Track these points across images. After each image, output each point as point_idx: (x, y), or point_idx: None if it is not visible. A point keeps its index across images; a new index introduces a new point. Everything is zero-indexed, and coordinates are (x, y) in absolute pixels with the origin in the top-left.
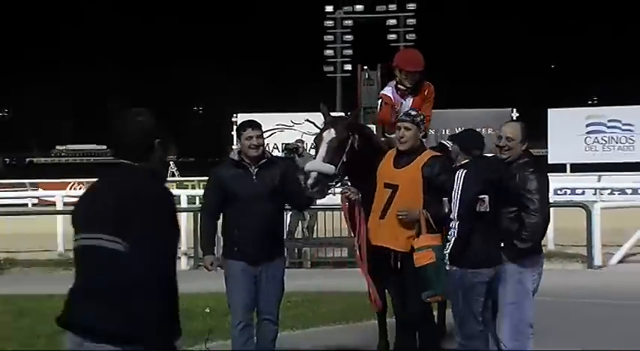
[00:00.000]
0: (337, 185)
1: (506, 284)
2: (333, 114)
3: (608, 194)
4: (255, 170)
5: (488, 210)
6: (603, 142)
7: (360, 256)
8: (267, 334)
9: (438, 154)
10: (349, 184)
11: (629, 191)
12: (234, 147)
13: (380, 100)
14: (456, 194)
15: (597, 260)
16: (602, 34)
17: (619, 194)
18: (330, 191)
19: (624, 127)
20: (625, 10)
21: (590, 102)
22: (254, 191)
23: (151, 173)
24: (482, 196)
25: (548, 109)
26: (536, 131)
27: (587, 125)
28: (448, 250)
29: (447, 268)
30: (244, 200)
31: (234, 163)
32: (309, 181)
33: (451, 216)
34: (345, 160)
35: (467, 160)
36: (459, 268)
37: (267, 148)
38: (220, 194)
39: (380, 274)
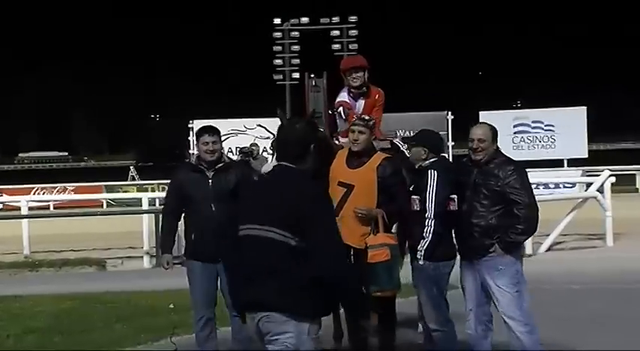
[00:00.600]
0: None
1: (503, 276)
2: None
3: (534, 188)
4: (212, 174)
5: (456, 209)
6: (528, 141)
7: None
8: (238, 328)
9: (389, 155)
10: None
11: (552, 185)
12: (194, 152)
13: (340, 109)
14: (431, 194)
15: (528, 249)
16: (524, 42)
17: (543, 188)
18: None
19: (546, 128)
20: (543, 17)
21: (514, 105)
22: (209, 194)
23: (310, 173)
24: (453, 196)
25: (480, 112)
26: (468, 132)
27: (514, 126)
28: (425, 247)
29: (421, 263)
30: (200, 202)
31: (191, 168)
32: None
33: (426, 215)
34: None
35: (433, 160)
36: (433, 262)
37: (224, 153)
38: (179, 196)
39: None
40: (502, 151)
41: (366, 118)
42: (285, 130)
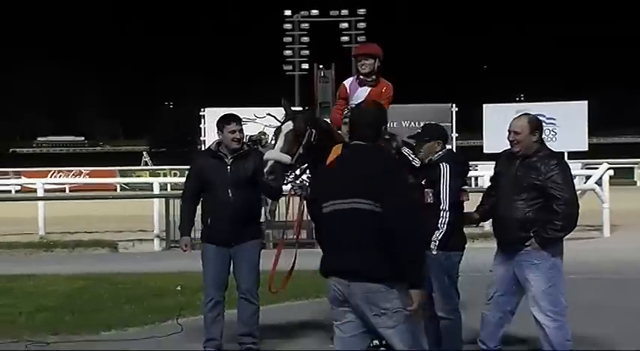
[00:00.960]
0: (291, 175)
1: (537, 270)
2: (293, 109)
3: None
4: (231, 161)
5: (468, 200)
6: None
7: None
8: (245, 311)
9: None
10: (304, 177)
11: None
12: (204, 138)
13: (337, 93)
14: (445, 187)
15: None
16: (523, 38)
17: None
18: (289, 180)
19: (548, 121)
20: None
21: (517, 99)
22: (227, 180)
23: (384, 151)
24: (464, 187)
25: (484, 105)
26: (473, 124)
27: None
28: (439, 237)
29: (434, 253)
30: (218, 188)
31: (211, 154)
32: (266, 169)
33: (441, 207)
34: (302, 151)
35: (443, 153)
36: (446, 251)
37: (245, 141)
38: (198, 181)
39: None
40: (546, 145)
41: None
42: (357, 114)
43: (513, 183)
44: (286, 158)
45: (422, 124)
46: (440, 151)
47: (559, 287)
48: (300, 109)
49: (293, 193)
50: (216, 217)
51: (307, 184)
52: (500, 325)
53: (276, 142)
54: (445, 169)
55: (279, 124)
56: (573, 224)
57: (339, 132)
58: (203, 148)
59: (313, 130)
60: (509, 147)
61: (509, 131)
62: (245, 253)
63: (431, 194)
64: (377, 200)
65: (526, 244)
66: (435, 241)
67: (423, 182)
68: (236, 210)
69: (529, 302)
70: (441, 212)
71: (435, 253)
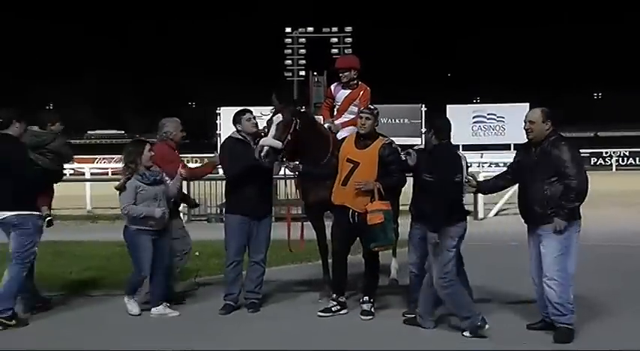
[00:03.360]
0: (284, 159)
1: (552, 240)
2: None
3: (488, 166)
4: (254, 145)
5: (460, 180)
6: (484, 129)
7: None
8: (254, 273)
9: (389, 141)
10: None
11: (501, 164)
12: (220, 132)
13: (325, 94)
14: (445, 170)
15: (480, 214)
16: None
17: (495, 166)
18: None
19: (498, 119)
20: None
21: (474, 101)
22: (251, 162)
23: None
24: (459, 169)
25: (447, 105)
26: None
27: (473, 117)
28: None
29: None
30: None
31: (235, 140)
32: (262, 153)
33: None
34: (289, 138)
35: (442, 141)
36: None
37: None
38: (238, 162)
39: (340, 225)
40: (558, 132)
41: (372, 107)
42: (441, 119)
43: (533, 167)
44: (278, 144)
45: (429, 118)
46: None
47: (569, 255)
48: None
49: (290, 170)
50: (245, 193)
51: (300, 166)
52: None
53: (268, 131)
54: (444, 153)
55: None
56: (583, 196)
57: (326, 125)
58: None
59: (298, 121)
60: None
61: (525, 121)
62: (262, 226)
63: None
64: (432, 174)
65: (546, 221)
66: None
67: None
68: (262, 188)
69: (543, 267)
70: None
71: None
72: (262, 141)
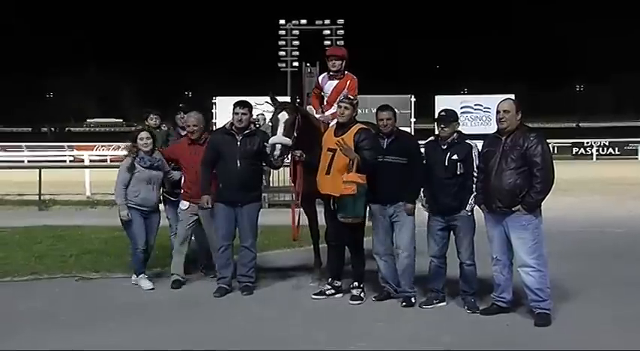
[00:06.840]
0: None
1: (525, 231)
2: (279, 100)
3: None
4: (240, 138)
5: (463, 172)
6: (471, 119)
7: (297, 198)
8: (245, 258)
9: (365, 127)
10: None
11: None
12: (215, 121)
13: (314, 85)
14: (475, 160)
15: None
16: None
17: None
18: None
19: (484, 109)
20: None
21: (462, 92)
22: (236, 153)
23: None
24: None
25: (435, 96)
26: (427, 112)
27: (461, 108)
28: (473, 200)
29: (469, 214)
30: (228, 159)
31: (225, 131)
32: (276, 153)
33: (475, 175)
34: (296, 134)
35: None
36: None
37: (254, 122)
38: (214, 152)
39: (330, 212)
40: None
41: (351, 97)
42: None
43: (502, 157)
44: (287, 141)
45: (442, 109)
46: (457, 130)
47: (542, 243)
48: (288, 99)
49: (297, 159)
50: (227, 182)
51: (304, 155)
52: (509, 278)
53: (276, 129)
54: (475, 146)
55: (272, 108)
56: (550, 186)
57: (317, 116)
58: (215, 128)
59: (299, 117)
60: (494, 131)
61: (498, 111)
62: (248, 212)
63: (461, 166)
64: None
65: (513, 209)
66: (471, 204)
67: (454, 157)
68: (242, 177)
69: (516, 257)
70: (473, 180)
71: (469, 214)
72: (272, 140)
